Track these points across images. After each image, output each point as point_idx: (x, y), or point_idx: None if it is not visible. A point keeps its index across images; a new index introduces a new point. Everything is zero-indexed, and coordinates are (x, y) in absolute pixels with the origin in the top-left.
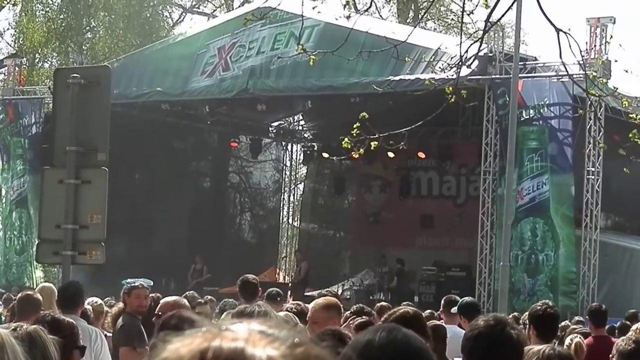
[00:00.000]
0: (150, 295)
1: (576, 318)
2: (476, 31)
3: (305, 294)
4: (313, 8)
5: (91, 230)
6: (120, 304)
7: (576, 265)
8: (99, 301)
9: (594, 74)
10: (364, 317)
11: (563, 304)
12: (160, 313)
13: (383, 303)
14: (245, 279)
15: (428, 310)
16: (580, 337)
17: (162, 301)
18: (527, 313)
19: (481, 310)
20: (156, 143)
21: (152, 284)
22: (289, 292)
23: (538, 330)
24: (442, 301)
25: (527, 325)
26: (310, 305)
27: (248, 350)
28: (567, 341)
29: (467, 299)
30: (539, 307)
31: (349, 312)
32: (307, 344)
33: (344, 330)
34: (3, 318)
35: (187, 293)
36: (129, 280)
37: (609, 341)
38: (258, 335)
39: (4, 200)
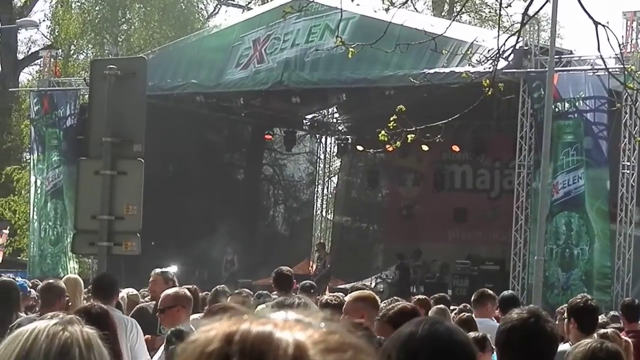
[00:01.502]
0: (187, 286)
1: (612, 313)
2: (512, 24)
3: (338, 286)
4: (352, 0)
5: (127, 221)
6: (132, 291)
7: (611, 260)
8: (134, 291)
9: (632, 67)
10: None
11: (597, 298)
12: (161, 307)
13: (420, 296)
14: (280, 271)
15: (463, 304)
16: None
17: (162, 294)
18: (562, 306)
19: (519, 305)
20: (190, 135)
21: (174, 270)
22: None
23: (579, 324)
24: (474, 295)
25: (567, 319)
26: (346, 297)
27: (276, 334)
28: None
29: (506, 293)
30: (579, 300)
31: (383, 304)
32: (341, 332)
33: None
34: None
35: (217, 287)
36: (157, 269)
37: None
38: (291, 322)
39: (39, 191)
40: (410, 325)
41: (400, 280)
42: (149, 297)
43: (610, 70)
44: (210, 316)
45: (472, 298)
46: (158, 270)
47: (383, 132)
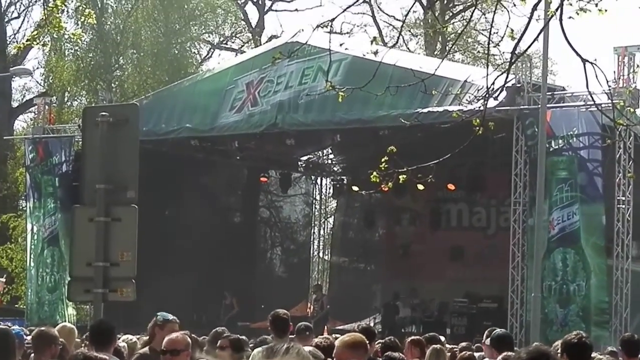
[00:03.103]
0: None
1: (610, 348)
2: (503, 62)
3: (337, 327)
4: (340, 44)
5: (122, 267)
6: (144, 338)
7: (608, 295)
8: (133, 338)
9: (622, 103)
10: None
11: (596, 334)
12: (174, 349)
13: (414, 337)
14: (276, 314)
15: (463, 343)
16: None
17: (171, 337)
18: (558, 342)
19: (514, 343)
20: (186, 179)
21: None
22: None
23: None
24: (485, 333)
25: (560, 355)
26: (336, 342)
27: None
28: None
29: (499, 330)
30: (572, 337)
31: (378, 344)
32: None
33: None
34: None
35: (217, 329)
36: (162, 313)
37: None
38: None
39: (35, 238)
40: None
41: (384, 320)
42: (149, 341)
43: (600, 106)
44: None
45: (485, 336)
46: (171, 317)
47: (375, 173)
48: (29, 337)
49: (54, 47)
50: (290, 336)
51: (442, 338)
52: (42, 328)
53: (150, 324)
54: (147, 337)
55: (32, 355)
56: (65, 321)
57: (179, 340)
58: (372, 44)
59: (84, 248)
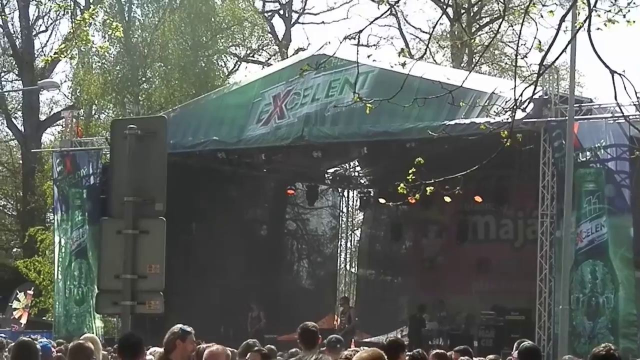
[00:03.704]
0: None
1: None
2: (531, 74)
3: (364, 340)
4: (368, 56)
5: (150, 280)
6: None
7: (637, 308)
8: (161, 351)
9: None
10: None
11: (624, 346)
12: None
13: (438, 350)
14: (305, 326)
15: (491, 355)
16: None
17: (213, 351)
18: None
19: (541, 356)
20: (213, 192)
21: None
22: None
23: None
24: (515, 345)
25: None
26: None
27: None
28: None
29: (526, 343)
30: (601, 349)
31: (407, 357)
32: None
33: None
34: None
35: (248, 341)
36: (180, 325)
37: None
38: None
39: (63, 251)
40: None
41: (411, 333)
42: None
43: (628, 117)
44: None
45: (514, 347)
46: (189, 328)
47: (402, 185)
48: (56, 350)
49: (81, 60)
50: (320, 349)
51: (470, 350)
52: (80, 341)
53: (168, 336)
54: (164, 350)
55: None
56: (93, 333)
57: (220, 353)
58: (399, 55)
59: (112, 260)
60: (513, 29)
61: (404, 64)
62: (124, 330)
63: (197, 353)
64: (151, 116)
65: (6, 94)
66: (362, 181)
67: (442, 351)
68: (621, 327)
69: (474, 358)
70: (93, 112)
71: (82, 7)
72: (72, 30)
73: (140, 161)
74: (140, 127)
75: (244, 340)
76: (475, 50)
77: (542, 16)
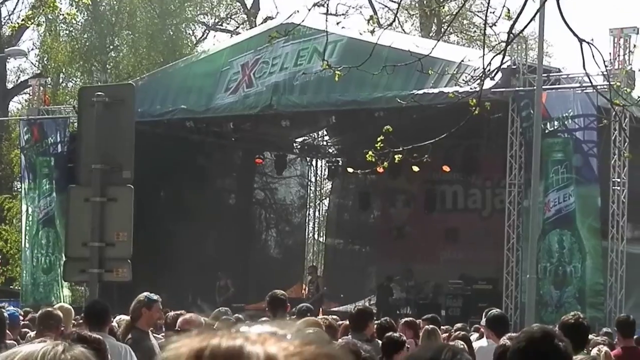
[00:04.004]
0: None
1: (604, 329)
2: (499, 43)
3: (332, 309)
4: (337, 23)
5: (117, 247)
6: (124, 318)
7: (603, 277)
8: (127, 319)
9: (618, 83)
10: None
11: (591, 315)
12: (180, 329)
13: (408, 318)
14: (274, 294)
15: (459, 324)
16: (607, 348)
17: (186, 318)
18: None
19: (509, 324)
20: (181, 160)
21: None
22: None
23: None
24: (484, 313)
25: None
26: None
27: (247, 347)
28: (595, 351)
29: (494, 311)
30: (570, 318)
31: (376, 325)
32: (317, 344)
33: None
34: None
35: (220, 309)
36: (147, 293)
37: (637, 352)
38: (265, 336)
39: (30, 219)
40: (431, 351)
41: (379, 303)
42: (132, 323)
43: (597, 87)
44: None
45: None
46: (156, 296)
47: (370, 152)
48: (23, 318)
49: (48, 28)
50: (289, 317)
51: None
52: (49, 309)
53: (134, 304)
54: (130, 318)
55: (32, 334)
56: (60, 302)
57: (194, 320)
58: (368, 23)
59: (80, 228)
60: None
61: (372, 32)
62: (91, 298)
63: (166, 321)
64: (119, 83)
65: None
66: (330, 150)
67: (412, 319)
68: (588, 296)
69: (441, 327)
70: (60, 80)
71: None
72: None
73: (108, 129)
74: (108, 95)
75: (212, 308)
76: (443, 20)
77: None
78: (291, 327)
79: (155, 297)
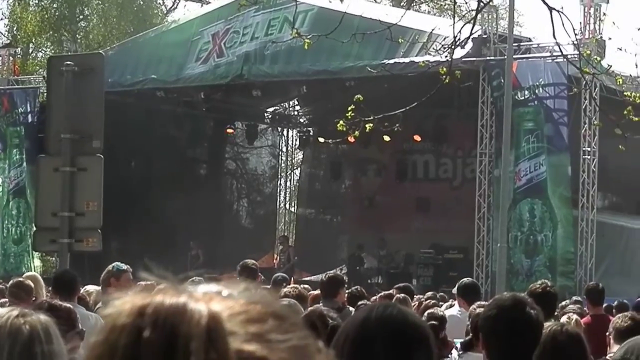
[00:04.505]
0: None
1: (574, 298)
2: (469, 12)
3: (304, 278)
4: None
5: (87, 217)
6: (95, 288)
7: (574, 246)
8: (98, 289)
9: (588, 52)
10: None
11: (561, 284)
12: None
13: (385, 292)
14: (245, 264)
15: (429, 292)
16: (577, 316)
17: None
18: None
19: (480, 292)
20: (152, 131)
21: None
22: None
23: None
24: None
25: None
26: None
27: (190, 305)
28: (564, 319)
29: (466, 280)
30: (538, 286)
31: (347, 294)
32: (264, 302)
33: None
34: None
35: (193, 279)
36: (116, 263)
37: (606, 320)
38: (211, 295)
39: (0, 190)
40: (364, 311)
41: (350, 272)
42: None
43: (567, 56)
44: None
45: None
46: (125, 266)
47: (341, 122)
48: None
49: None
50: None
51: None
52: (20, 279)
53: (103, 274)
54: (100, 288)
55: (6, 303)
56: (31, 272)
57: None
58: None
59: (50, 198)
60: None
61: (342, 0)
62: (61, 268)
63: None
64: (89, 53)
65: None
66: (301, 120)
67: (389, 292)
68: (559, 265)
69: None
70: (30, 50)
71: None
72: None
73: (77, 98)
74: (78, 64)
75: (184, 279)
76: None
77: None
78: (238, 287)
79: (124, 267)
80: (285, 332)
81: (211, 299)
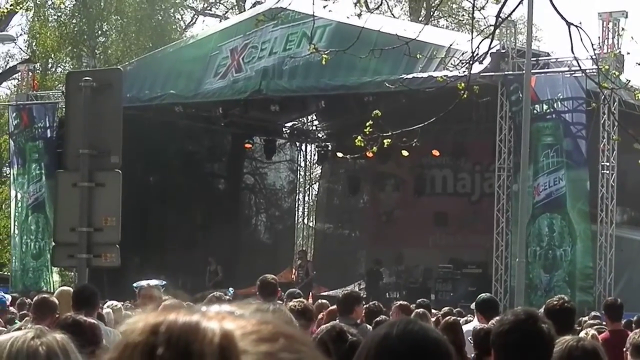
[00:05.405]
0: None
1: (593, 313)
2: (488, 27)
3: (322, 293)
4: (324, 7)
5: (106, 232)
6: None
7: (592, 261)
8: (118, 305)
9: (606, 67)
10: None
11: (580, 299)
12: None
13: (402, 302)
14: (265, 279)
15: (446, 307)
16: (594, 331)
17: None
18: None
19: (499, 307)
20: (170, 146)
21: (163, 283)
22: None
23: (555, 325)
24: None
25: None
26: None
27: (203, 323)
28: (582, 334)
29: (484, 295)
30: (555, 302)
31: (365, 309)
32: (275, 323)
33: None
34: (17, 322)
35: (214, 294)
36: (141, 282)
37: (625, 335)
38: (223, 314)
39: (19, 205)
40: (385, 327)
41: (369, 287)
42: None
43: (585, 71)
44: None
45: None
46: (146, 283)
47: (359, 137)
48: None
49: (37, 14)
50: (279, 302)
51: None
52: (44, 295)
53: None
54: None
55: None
56: (50, 288)
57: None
58: (355, 6)
59: (68, 213)
60: None
61: (359, 15)
62: (80, 283)
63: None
64: (107, 68)
65: None
66: (319, 135)
67: (406, 303)
68: (578, 280)
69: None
70: (49, 65)
71: None
72: None
73: (95, 113)
74: (96, 80)
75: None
76: (432, 4)
77: None
78: (250, 307)
79: (142, 283)
80: (296, 351)
81: (224, 318)
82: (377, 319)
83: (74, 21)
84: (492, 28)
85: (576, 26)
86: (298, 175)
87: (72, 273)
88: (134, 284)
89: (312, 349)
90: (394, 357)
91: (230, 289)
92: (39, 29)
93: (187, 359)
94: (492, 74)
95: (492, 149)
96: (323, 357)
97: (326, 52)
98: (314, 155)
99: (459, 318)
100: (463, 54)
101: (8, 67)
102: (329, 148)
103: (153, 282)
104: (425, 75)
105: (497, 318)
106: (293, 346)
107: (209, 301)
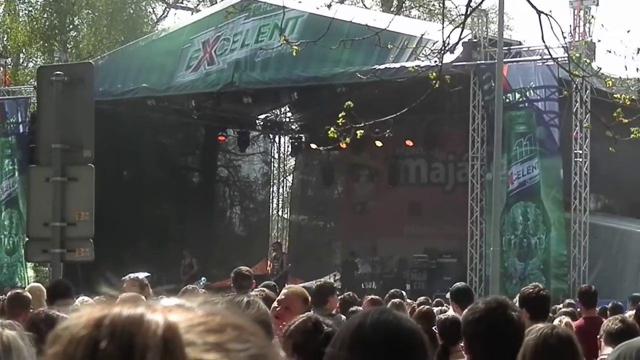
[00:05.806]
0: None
1: (567, 301)
2: (459, 16)
3: (297, 285)
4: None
5: (79, 227)
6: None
7: (567, 248)
8: (90, 300)
9: (577, 55)
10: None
11: (555, 287)
12: None
13: (373, 296)
14: (239, 271)
15: (422, 297)
16: (568, 318)
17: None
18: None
19: (474, 296)
20: (143, 139)
21: (148, 275)
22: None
23: (530, 313)
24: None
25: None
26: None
27: (147, 316)
28: (556, 322)
29: (459, 284)
30: (530, 290)
31: (339, 300)
32: (223, 314)
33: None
34: None
35: (187, 287)
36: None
37: (599, 322)
38: (170, 307)
39: None
40: (359, 317)
41: (344, 278)
42: None
43: (557, 59)
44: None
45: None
46: (132, 275)
47: (332, 129)
48: None
49: (7, 8)
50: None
51: (403, 293)
52: (17, 290)
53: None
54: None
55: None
56: (24, 284)
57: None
58: None
59: (41, 208)
60: None
61: (329, 6)
62: (54, 278)
63: None
64: (78, 62)
65: None
66: (293, 127)
67: (377, 297)
68: (552, 267)
69: (407, 300)
70: (21, 60)
71: None
72: None
73: (67, 108)
74: (67, 74)
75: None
76: None
77: None
78: (198, 299)
79: (132, 276)
80: (245, 341)
81: (170, 310)
82: (351, 309)
83: (45, 15)
84: (463, 17)
85: (546, 14)
86: (272, 167)
87: (47, 268)
88: (123, 278)
89: (262, 339)
90: (368, 346)
91: (203, 278)
92: (9, 23)
93: (131, 351)
94: (464, 63)
95: (465, 138)
96: (272, 346)
97: (297, 44)
98: (288, 147)
99: (433, 307)
100: (435, 43)
101: None
102: (303, 140)
103: (141, 275)
104: (397, 65)
105: (469, 307)
106: (242, 336)
107: (182, 294)
